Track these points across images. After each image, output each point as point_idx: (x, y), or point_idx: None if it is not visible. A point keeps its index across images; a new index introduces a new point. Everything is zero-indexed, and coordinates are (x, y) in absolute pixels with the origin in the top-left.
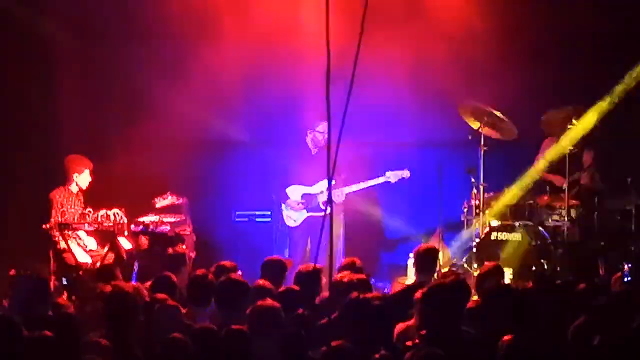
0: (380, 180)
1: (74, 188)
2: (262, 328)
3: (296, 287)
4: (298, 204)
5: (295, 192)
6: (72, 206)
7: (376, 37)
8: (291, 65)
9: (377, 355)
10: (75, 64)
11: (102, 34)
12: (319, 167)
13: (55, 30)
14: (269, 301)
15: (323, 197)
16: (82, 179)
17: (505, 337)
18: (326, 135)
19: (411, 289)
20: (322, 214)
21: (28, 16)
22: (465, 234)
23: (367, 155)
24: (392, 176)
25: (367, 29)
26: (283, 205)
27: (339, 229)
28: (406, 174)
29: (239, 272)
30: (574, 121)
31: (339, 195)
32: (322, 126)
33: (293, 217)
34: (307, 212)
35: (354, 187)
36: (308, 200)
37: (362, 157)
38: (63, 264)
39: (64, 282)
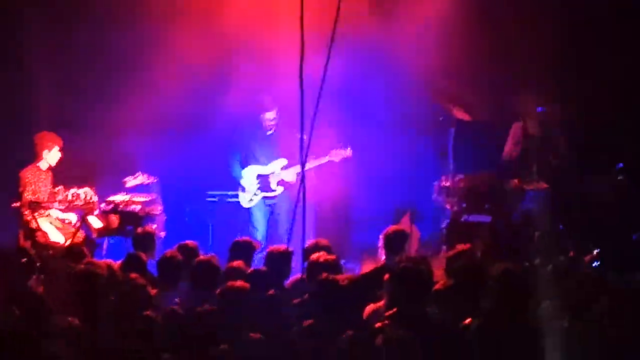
0: (324, 160)
1: (43, 165)
2: (232, 309)
3: (265, 268)
4: (252, 185)
5: (251, 172)
6: (43, 185)
7: (349, 18)
8: (262, 47)
9: (343, 335)
10: (46, 42)
11: (75, 13)
12: (274, 147)
13: (26, 7)
14: (239, 282)
15: (275, 178)
16: (52, 156)
17: (469, 319)
18: (273, 122)
19: (380, 270)
20: (273, 193)
21: None
22: None
23: (337, 136)
24: (335, 155)
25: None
26: (239, 186)
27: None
28: (348, 152)
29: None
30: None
31: (292, 174)
32: (271, 114)
33: (248, 197)
34: (261, 192)
35: (306, 167)
36: (262, 181)
37: (331, 138)
38: (34, 243)
39: None
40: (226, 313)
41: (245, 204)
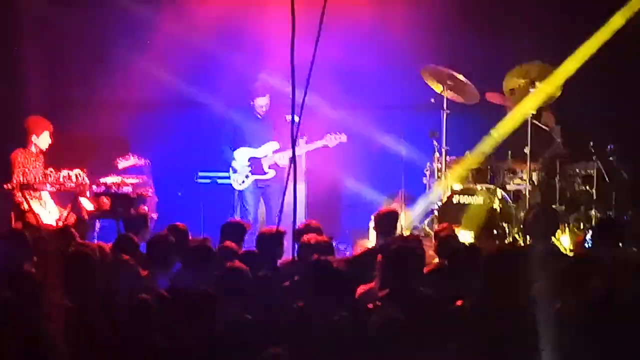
0: (319, 144)
1: (33, 149)
2: (231, 290)
3: (256, 250)
4: (244, 167)
5: (242, 154)
6: (34, 167)
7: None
8: (253, 29)
9: (336, 317)
10: (35, 24)
11: None
12: (266, 131)
13: None
14: (237, 263)
15: (267, 161)
16: (41, 140)
17: (462, 300)
18: (264, 109)
19: (372, 251)
20: (265, 176)
21: None
22: (427, 197)
23: (329, 119)
24: (329, 140)
25: None
26: (230, 169)
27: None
28: (343, 138)
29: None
30: (537, 84)
31: (282, 158)
32: (261, 100)
33: (240, 180)
34: (252, 174)
35: (301, 151)
36: (254, 163)
37: (324, 121)
38: (25, 225)
39: None
40: (220, 294)
41: (236, 186)
